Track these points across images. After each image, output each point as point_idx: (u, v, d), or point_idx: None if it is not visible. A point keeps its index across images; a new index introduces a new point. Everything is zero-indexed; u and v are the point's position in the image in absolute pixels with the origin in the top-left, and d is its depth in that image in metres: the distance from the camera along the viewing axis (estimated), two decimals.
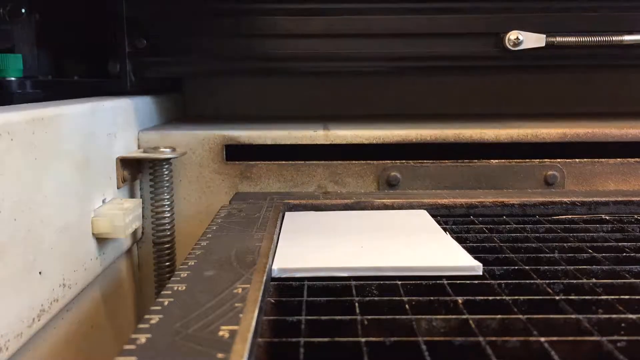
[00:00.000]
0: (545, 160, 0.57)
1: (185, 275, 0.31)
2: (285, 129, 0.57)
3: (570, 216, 0.48)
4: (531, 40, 0.57)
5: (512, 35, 0.57)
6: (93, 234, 0.44)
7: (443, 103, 0.81)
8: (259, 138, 0.56)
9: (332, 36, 0.58)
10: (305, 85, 0.81)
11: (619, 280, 0.33)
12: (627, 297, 0.30)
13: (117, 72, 0.60)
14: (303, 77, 0.80)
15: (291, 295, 0.31)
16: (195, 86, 0.82)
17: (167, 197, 0.52)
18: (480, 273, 0.34)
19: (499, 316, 0.27)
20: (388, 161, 0.56)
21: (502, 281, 0.32)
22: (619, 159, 0.57)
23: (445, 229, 0.42)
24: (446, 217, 0.47)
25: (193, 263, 0.33)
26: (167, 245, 0.52)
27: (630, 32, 0.58)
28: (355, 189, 0.57)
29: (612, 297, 0.30)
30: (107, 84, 0.60)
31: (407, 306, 0.29)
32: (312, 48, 0.59)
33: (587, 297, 0.30)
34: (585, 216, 0.48)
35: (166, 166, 0.52)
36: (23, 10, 0.57)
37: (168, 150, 0.51)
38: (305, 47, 0.59)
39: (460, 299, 0.30)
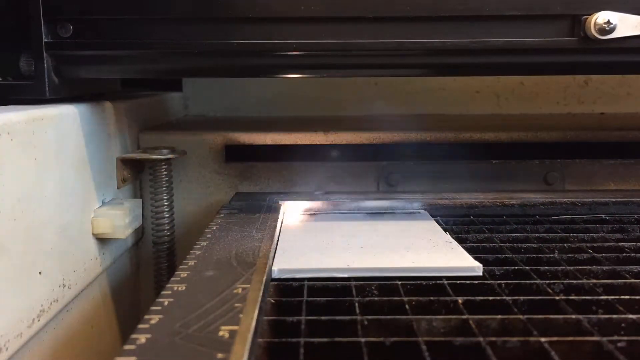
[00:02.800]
0: (546, 160, 0.57)
1: (185, 275, 0.31)
2: (285, 129, 0.57)
3: (570, 216, 0.48)
4: (629, 24, 0.39)
5: (601, 17, 0.39)
6: (93, 234, 0.44)
7: (443, 103, 0.81)
8: (259, 138, 0.56)
9: (337, 20, 0.40)
10: (307, 85, 0.81)
11: (619, 281, 0.33)
12: (627, 297, 0.30)
13: (31, 72, 0.42)
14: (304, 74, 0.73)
15: (291, 296, 0.31)
16: (196, 85, 0.82)
17: (167, 197, 0.52)
18: (481, 273, 0.34)
19: (499, 316, 0.27)
20: (388, 161, 0.56)
21: (502, 281, 0.32)
22: (619, 159, 0.57)
23: (445, 229, 0.42)
24: (446, 217, 0.47)
25: (193, 263, 0.33)
26: (166, 245, 0.52)
27: None
28: (355, 189, 0.57)
29: (612, 297, 0.30)
30: (16, 88, 0.42)
31: (407, 306, 0.29)
32: (309, 37, 0.41)
33: (587, 297, 0.30)
34: (585, 216, 0.48)
35: (166, 166, 0.52)
36: None
37: (168, 150, 0.51)
38: (299, 35, 0.41)
39: (460, 299, 0.30)
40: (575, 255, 0.37)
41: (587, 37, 0.40)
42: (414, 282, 0.33)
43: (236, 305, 0.27)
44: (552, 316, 0.28)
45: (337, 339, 0.25)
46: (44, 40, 0.42)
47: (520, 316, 0.28)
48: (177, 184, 0.55)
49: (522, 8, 0.40)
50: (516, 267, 0.35)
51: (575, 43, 0.40)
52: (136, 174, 0.54)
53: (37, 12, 0.41)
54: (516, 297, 0.30)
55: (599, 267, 0.35)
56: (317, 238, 0.40)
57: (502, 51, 0.41)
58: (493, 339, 0.25)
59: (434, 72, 0.47)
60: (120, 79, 0.60)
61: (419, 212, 0.48)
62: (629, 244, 0.40)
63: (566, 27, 0.40)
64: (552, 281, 0.32)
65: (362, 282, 0.33)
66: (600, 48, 0.40)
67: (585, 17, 0.40)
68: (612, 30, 0.39)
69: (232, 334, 0.24)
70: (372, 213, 0.48)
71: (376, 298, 0.31)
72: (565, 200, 0.49)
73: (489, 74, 0.72)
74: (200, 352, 0.22)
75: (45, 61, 0.42)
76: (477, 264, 0.34)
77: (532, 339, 0.25)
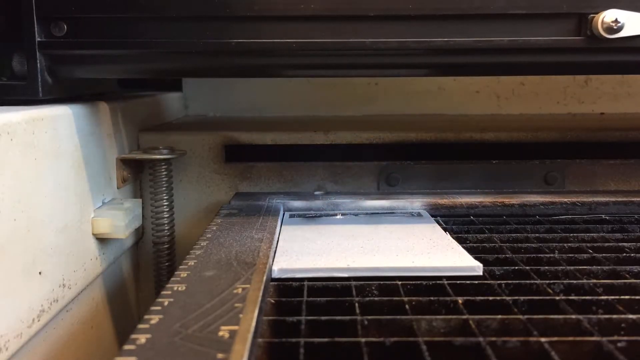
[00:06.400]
0: (546, 160, 0.57)
1: (185, 275, 0.31)
2: (285, 129, 0.57)
3: (570, 216, 0.48)
4: (637, 23, 0.38)
5: (608, 16, 0.38)
6: (93, 234, 0.44)
7: (443, 103, 0.81)
8: (259, 138, 0.56)
9: (337, 19, 0.40)
10: (307, 85, 0.81)
11: (619, 281, 0.33)
12: (627, 297, 0.30)
13: (24, 72, 0.41)
14: (304, 74, 0.67)
15: (291, 296, 0.31)
16: (196, 85, 0.82)
17: (167, 197, 0.52)
18: (481, 273, 0.34)
19: (499, 316, 0.27)
20: (388, 161, 0.56)
21: (502, 281, 0.32)
22: (619, 159, 0.57)
23: (445, 229, 0.42)
24: (446, 217, 0.47)
25: (193, 263, 0.33)
26: (166, 245, 0.52)
27: None
28: (355, 189, 0.57)
29: (612, 297, 0.30)
30: (9, 89, 0.41)
31: (407, 306, 0.29)
32: (309, 36, 0.40)
33: (587, 297, 0.30)
34: (585, 216, 0.48)
35: (166, 166, 0.52)
36: None
37: (167, 150, 0.51)
38: (299, 35, 0.40)
39: (460, 299, 0.30)
40: (575, 255, 0.37)
41: (594, 36, 0.39)
42: (414, 282, 0.33)
43: (236, 305, 0.27)
44: (552, 316, 0.28)
45: (337, 339, 0.25)
46: (37, 39, 0.40)
47: (520, 316, 0.28)
48: (177, 184, 0.55)
49: (527, 6, 0.39)
50: (516, 267, 0.35)
51: (582, 42, 0.39)
52: (136, 174, 0.54)
53: (30, 11, 0.40)
54: (516, 297, 0.30)
55: (599, 267, 0.35)
56: (317, 238, 0.40)
57: (507, 51, 0.40)
58: (493, 339, 0.25)
59: (437, 72, 0.47)
60: (118, 79, 0.60)
61: (419, 213, 0.48)
62: (629, 244, 0.40)
63: (573, 26, 0.39)
64: (552, 281, 0.32)
65: (362, 282, 0.33)
66: (607, 47, 0.39)
67: (592, 15, 0.39)
68: (620, 29, 0.38)
69: (232, 334, 0.24)
70: (372, 213, 0.48)
71: (376, 298, 0.31)
72: (565, 200, 0.49)
73: (493, 74, 0.72)
74: (200, 352, 0.22)
75: (38, 61, 0.41)
76: (477, 263, 0.34)
77: (532, 339, 0.25)
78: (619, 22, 0.38)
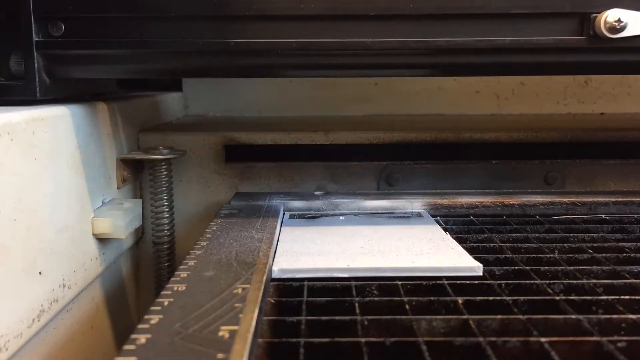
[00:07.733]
0: (546, 160, 0.57)
1: (185, 275, 0.31)
2: (285, 129, 0.57)
3: (570, 216, 0.48)
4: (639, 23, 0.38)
5: (611, 15, 0.38)
6: (93, 234, 0.44)
7: (443, 103, 0.81)
8: (259, 138, 0.56)
9: (338, 18, 0.39)
10: (307, 85, 0.81)
11: (619, 281, 0.33)
12: (627, 297, 0.30)
13: (22, 72, 0.41)
14: (304, 74, 0.67)
15: (291, 296, 0.31)
16: (196, 85, 0.82)
17: (167, 197, 0.52)
18: (481, 273, 0.34)
19: (499, 316, 0.27)
20: (388, 161, 0.56)
21: (502, 281, 0.32)
22: (619, 159, 0.57)
23: (445, 229, 0.42)
24: (446, 217, 0.47)
25: (193, 263, 0.33)
26: (166, 245, 0.52)
27: None
28: (355, 189, 0.57)
29: (612, 297, 0.30)
30: (6, 89, 0.41)
31: (407, 306, 0.29)
32: (309, 35, 0.40)
33: (587, 298, 0.30)
34: (585, 216, 0.48)
35: (166, 166, 0.52)
36: None
37: (168, 150, 0.51)
38: (299, 34, 0.40)
39: (460, 300, 0.30)
40: (575, 255, 0.37)
41: (596, 35, 0.38)
42: (414, 282, 0.33)
43: (236, 305, 0.27)
44: (552, 316, 0.28)
45: (337, 339, 0.25)
46: (35, 39, 0.40)
47: (520, 316, 0.28)
48: (177, 184, 0.55)
49: (529, 6, 0.39)
50: (516, 267, 0.35)
51: (585, 42, 0.39)
52: (136, 174, 0.54)
53: (27, 10, 0.40)
54: (516, 297, 0.30)
55: (599, 267, 0.35)
56: (317, 238, 0.40)
57: (509, 50, 0.40)
58: (493, 339, 0.25)
59: (438, 72, 0.47)
60: (117, 79, 0.59)
61: (419, 213, 0.48)
62: (629, 244, 0.40)
63: (575, 25, 0.39)
64: (552, 281, 0.32)
65: (362, 282, 0.33)
66: (610, 47, 0.39)
67: (595, 15, 0.38)
68: (622, 28, 0.38)
69: (232, 334, 0.24)
70: (372, 213, 0.48)
71: (376, 298, 0.31)
72: (565, 200, 0.49)
73: (494, 74, 0.71)
74: (200, 352, 0.22)
75: (35, 61, 0.40)
76: (477, 264, 0.34)
77: (532, 339, 0.25)
78: (622, 22, 0.38)
